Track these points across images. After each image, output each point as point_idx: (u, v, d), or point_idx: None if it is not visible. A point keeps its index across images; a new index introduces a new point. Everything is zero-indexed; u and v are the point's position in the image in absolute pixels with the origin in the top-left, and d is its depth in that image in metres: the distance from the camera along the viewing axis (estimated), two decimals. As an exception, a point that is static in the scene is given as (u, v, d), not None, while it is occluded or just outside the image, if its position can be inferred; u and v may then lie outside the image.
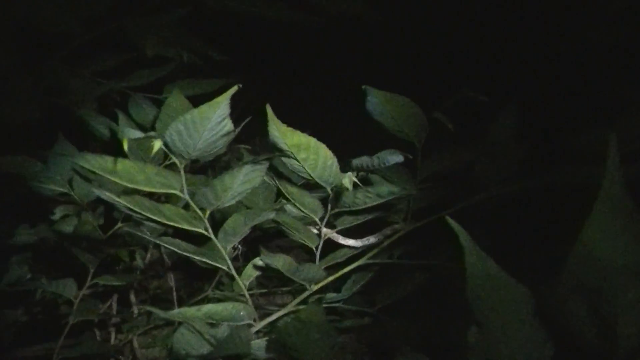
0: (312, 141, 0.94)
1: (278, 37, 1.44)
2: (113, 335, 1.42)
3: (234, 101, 1.17)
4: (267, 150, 1.01)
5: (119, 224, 1.35)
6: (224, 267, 1.03)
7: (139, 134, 0.90)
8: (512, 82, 1.16)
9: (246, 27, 1.44)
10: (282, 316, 1.07)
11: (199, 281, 1.49)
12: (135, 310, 1.44)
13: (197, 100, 1.36)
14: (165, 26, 1.40)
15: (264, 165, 0.97)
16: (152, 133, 0.90)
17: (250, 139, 1.44)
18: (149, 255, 1.47)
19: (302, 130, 0.96)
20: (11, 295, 1.40)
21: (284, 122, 0.94)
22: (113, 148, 1.43)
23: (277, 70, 1.50)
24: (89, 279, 1.34)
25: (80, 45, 1.42)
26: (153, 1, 1.39)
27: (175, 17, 1.40)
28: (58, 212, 1.36)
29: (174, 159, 0.94)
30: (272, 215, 1.03)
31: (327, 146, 0.97)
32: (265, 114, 0.95)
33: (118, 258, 1.43)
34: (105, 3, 1.36)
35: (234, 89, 0.87)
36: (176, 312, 1.01)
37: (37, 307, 1.46)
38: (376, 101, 1.00)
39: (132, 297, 1.45)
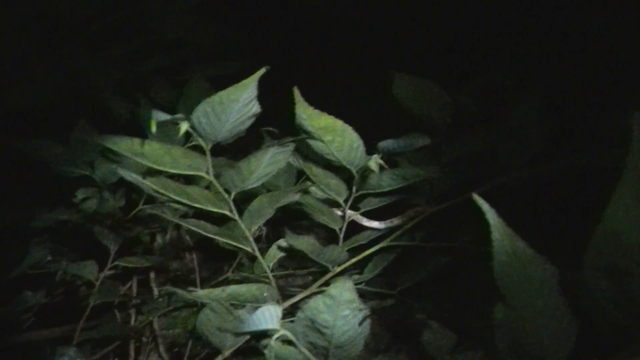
0: (339, 123, 0.97)
1: (297, 20, 1.47)
2: (133, 317, 1.46)
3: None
4: (287, 132, 1.04)
5: (140, 206, 1.38)
6: (248, 249, 1.07)
7: (166, 116, 0.93)
8: (536, 65, 1.18)
9: (266, 11, 1.47)
10: (305, 297, 1.11)
11: (218, 262, 1.52)
12: (156, 291, 1.48)
13: (216, 83, 1.39)
14: (185, 9, 1.43)
15: (290, 148, 1.00)
16: (179, 115, 0.93)
17: (268, 122, 1.47)
18: (168, 237, 1.51)
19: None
20: (31, 278, 1.43)
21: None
22: (133, 130, 1.46)
23: (296, 54, 1.53)
24: (110, 260, 1.37)
25: (100, 28, 1.45)
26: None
27: (195, 1, 1.44)
28: (79, 195, 1.39)
29: (200, 141, 0.97)
30: (296, 197, 1.06)
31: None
32: (283, 97, 0.98)
33: (138, 240, 1.47)
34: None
35: (262, 70, 0.90)
36: (201, 294, 1.04)
37: (58, 289, 1.49)
38: (402, 85, 1.03)
39: (152, 279, 1.49)
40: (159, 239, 1.48)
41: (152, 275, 1.49)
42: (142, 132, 1.38)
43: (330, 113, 0.99)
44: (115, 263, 1.37)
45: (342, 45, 1.49)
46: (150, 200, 1.36)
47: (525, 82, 1.08)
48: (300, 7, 1.31)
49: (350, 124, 1.00)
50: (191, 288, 1.39)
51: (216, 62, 1.47)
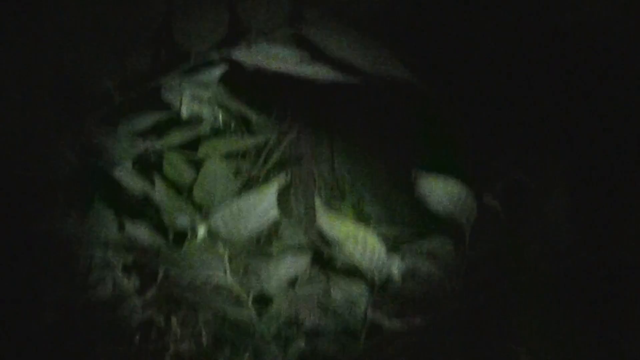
0: (361, 231, 0.95)
1: (315, 94, 1.46)
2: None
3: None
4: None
5: (155, 288, 1.37)
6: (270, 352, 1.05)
7: (184, 220, 0.92)
8: (563, 162, 1.16)
9: (284, 85, 1.45)
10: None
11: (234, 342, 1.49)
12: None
13: (233, 158, 1.38)
14: (201, 85, 1.42)
15: (309, 255, 0.99)
16: (198, 219, 0.93)
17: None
18: (182, 316, 1.49)
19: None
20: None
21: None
22: (147, 210, 1.45)
23: (313, 127, 1.51)
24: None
25: (119, 104, 1.44)
26: (190, 61, 1.41)
27: (212, 76, 1.42)
28: (93, 279, 1.38)
29: (218, 245, 0.96)
30: (315, 301, 1.04)
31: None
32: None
33: (152, 321, 1.45)
34: (145, 62, 1.38)
35: (282, 181, 0.89)
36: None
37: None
38: (427, 186, 1.01)
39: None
40: (174, 321, 1.45)
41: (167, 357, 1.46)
42: (156, 213, 1.37)
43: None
44: (130, 346, 1.35)
45: (356, 120, 1.48)
46: (165, 279, 1.35)
47: (551, 178, 1.06)
48: (322, 87, 1.29)
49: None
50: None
51: (233, 138, 1.46)
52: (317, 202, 0.92)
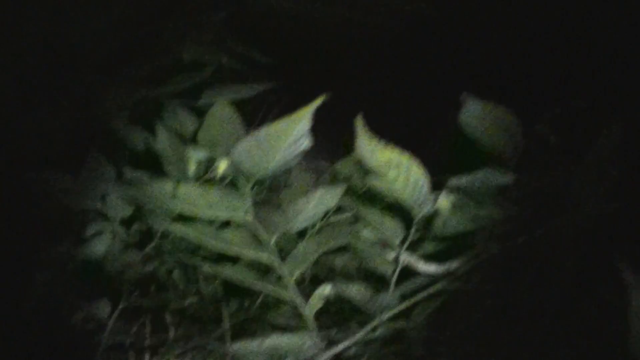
0: (405, 158, 0.77)
1: (327, 37, 1.28)
2: (147, 358, 1.27)
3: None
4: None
5: (156, 241, 1.19)
6: (291, 299, 0.87)
7: (203, 154, 0.75)
8: (617, 96, 1.00)
9: (293, 28, 1.27)
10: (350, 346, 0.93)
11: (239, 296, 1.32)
12: (172, 331, 1.29)
13: (239, 107, 1.20)
14: (204, 29, 1.23)
15: (342, 187, 0.82)
16: (219, 151, 0.75)
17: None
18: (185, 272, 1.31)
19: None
20: (36, 316, 1.24)
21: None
22: (148, 161, 1.27)
23: (327, 73, 1.33)
24: (123, 299, 1.20)
25: (112, 51, 1.24)
26: (193, 3, 1.22)
27: (216, 19, 1.23)
28: (90, 231, 1.19)
29: (240, 180, 0.78)
30: (345, 240, 0.87)
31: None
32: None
33: (153, 275, 1.27)
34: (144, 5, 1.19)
35: (319, 100, 0.71)
36: (237, 347, 0.86)
37: (64, 327, 1.30)
38: (474, 112, 0.83)
39: (169, 319, 1.29)
40: (176, 274, 1.27)
41: (167, 315, 1.29)
42: (157, 162, 1.19)
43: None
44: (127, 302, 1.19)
45: (368, 62, 1.30)
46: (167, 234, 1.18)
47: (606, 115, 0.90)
48: (337, 26, 1.12)
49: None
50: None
51: (239, 84, 1.26)
52: (359, 123, 0.75)
